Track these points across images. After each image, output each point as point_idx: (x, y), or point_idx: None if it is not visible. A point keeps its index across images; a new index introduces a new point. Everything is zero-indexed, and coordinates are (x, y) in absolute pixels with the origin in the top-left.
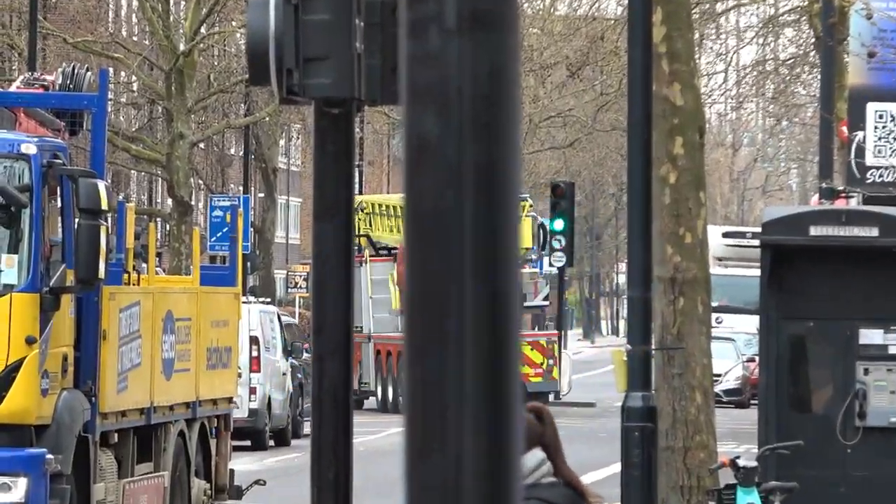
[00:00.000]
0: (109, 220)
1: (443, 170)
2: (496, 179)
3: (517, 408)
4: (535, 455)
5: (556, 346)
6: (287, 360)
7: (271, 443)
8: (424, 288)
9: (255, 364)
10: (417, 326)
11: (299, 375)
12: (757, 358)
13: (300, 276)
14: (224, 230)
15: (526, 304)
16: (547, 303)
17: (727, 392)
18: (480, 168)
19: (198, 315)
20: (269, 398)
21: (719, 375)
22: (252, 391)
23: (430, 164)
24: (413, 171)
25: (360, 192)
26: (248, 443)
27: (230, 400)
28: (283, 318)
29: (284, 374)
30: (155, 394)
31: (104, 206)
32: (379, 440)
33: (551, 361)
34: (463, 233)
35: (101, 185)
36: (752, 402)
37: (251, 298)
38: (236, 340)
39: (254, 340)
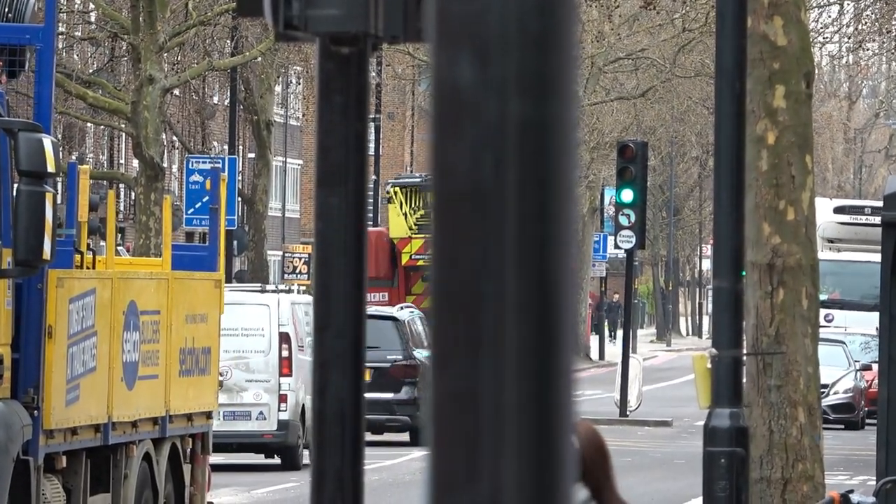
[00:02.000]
0: (58, 185)
1: (480, 130)
2: (548, 143)
3: (568, 429)
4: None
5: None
6: None
7: (306, 461)
8: (455, 281)
9: (285, 366)
10: (446, 328)
11: None
12: (875, 366)
13: (300, 258)
14: (204, 199)
15: None
16: None
17: (835, 408)
18: (528, 128)
19: (169, 307)
20: (303, 407)
21: (826, 387)
22: (282, 399)
23: (463, 123)
24: (442, 132)
25: (377, 152)
26: (277, 461)
27: (209, 415)
28: None
29: None
30: (114, 407)
31: (50, 167)
32: (398, 466)
33: None
34: (505, 212)
35: (47, 142)
36: (868, 421)
37: (280, 286)
38: (217, 340)
39: (284, 338)
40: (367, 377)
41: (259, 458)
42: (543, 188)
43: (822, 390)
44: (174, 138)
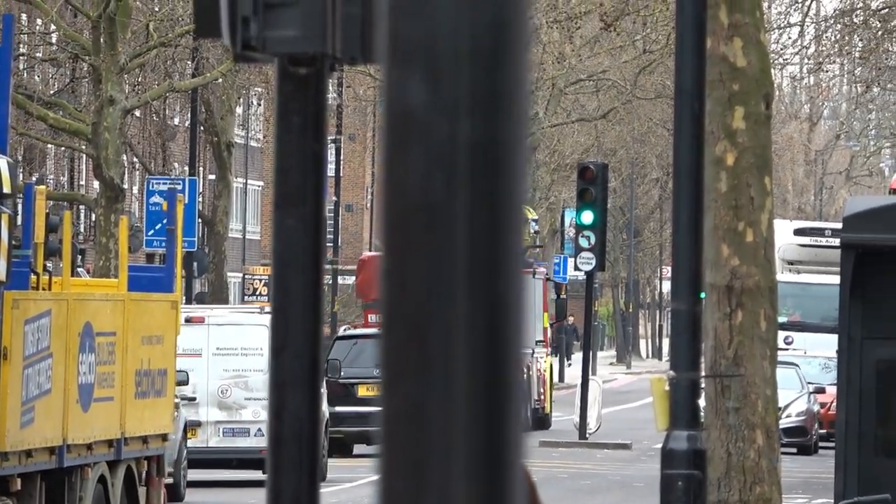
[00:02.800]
0: (17, 206)
1: (431, 150)
2: (498, 162)
3: (518, 451)
4: None
5: (548, 368)
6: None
7: None
8: (404, 299)
9: None
10: (396, 347)
11: None
12: (828, 388)
13: (260, 279)
14: (164, 221)
15: None
16: None
17: (787, 432)
18: (478, 147)
19: (125, 329)
20: None
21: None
22: None
23: (415, 144)
24: (394, 151)
25: (337, 173)
26: None
27: (164, 437)
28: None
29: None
30: (69, 429)
31: (6, 188)
32: (356, 490)
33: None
34: (455, 230)
35: (3, 163)
36: (823, 445)
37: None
38: (173, 361)
39: None
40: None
41: (257, 474)
42: (493, 207)
43: None
44: (135, 159)
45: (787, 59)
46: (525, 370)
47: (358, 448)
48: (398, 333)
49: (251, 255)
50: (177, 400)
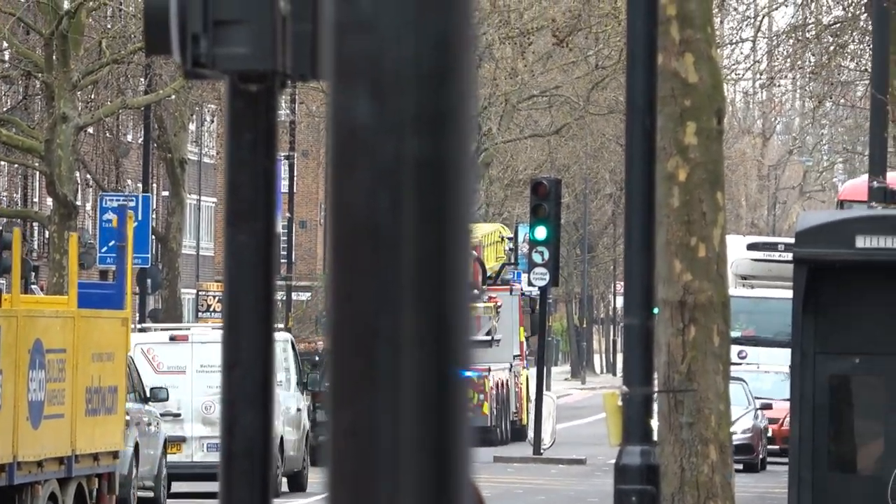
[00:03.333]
0: None
1: (376, 168)
2: (444, 180)
3: (466, 467)
4: None
5: (525, 381)
6: (303, 395)
7: (284, 488)
8: (351, 317)
9: None
10: (342, 368)
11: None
12: (774, 404)
13: (214, 296)
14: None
15: None
16: (489, 338)
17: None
18: (424, 165)
19: (75, 346)
20: (282, 438)
21: None
22: None
23: (360, 161)
24: (340, 170)
25: (290, 190)
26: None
27: (115, 455)
28: (297, 346)
29: (299, 409)
30: (19, 446)
31: None
32: None
33: (482, 397)
34: (401, 248)
35: None
36: (771, 461)
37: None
38: (123, 378)
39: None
40: None
41: None
42: (439, 225)
43: None
44: (88, 176)
45: (739, 75)
46: (503, 383)
47: None
48: (345, 351)
49: (205, 271)
50: (157, 415)
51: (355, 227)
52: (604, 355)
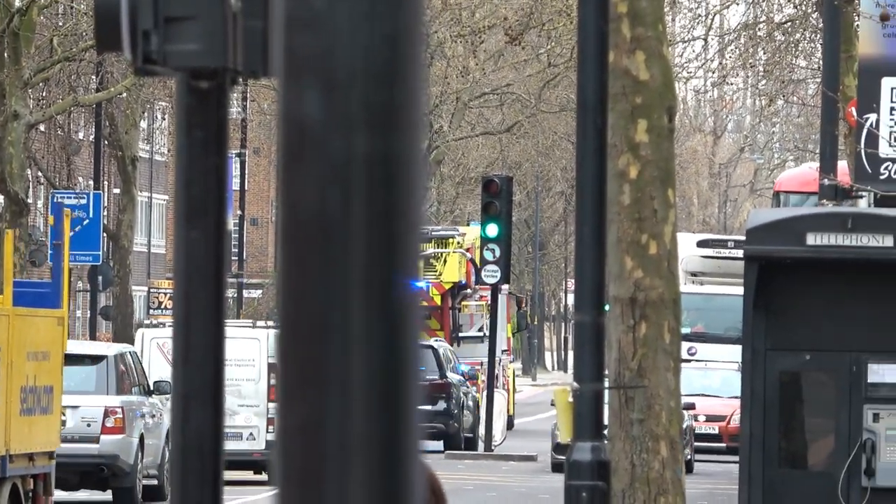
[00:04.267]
0: None
1: (326, 165)
2: (394, 176)
3: (416, 463)
4: None
5: (512, 375)
6: None
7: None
8: (300, 314)
9: (273, 393)
10: (292, 364)
11: None
12: (721, 402)
13: (165, 293)
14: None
15: (461, 334)
16: (481, 334)
17: None
18: (374, 162)
19: (9, 344)
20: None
21: None
22: (270, 422)
23: (310, 158)
24: (289, 166)
25: (242, 187)
26: (265, 477)
27: (51, 455)
28: None
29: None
30: None
31: None
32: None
33: (474, 389)
34: (350, 245)
35: None
36: (719, 461)
37: (269, 322)
38: (59, 377)
39: (273, 368)
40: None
41: (248, 474)
42: (390, 221)
43: None
44: (39, 174)
45: (690, 73)
46: (493, 377)
47: None
48: (295, 349)
49: (156, 268)
50: (160, 407)
51: (305, 223)
52: (555, 352)
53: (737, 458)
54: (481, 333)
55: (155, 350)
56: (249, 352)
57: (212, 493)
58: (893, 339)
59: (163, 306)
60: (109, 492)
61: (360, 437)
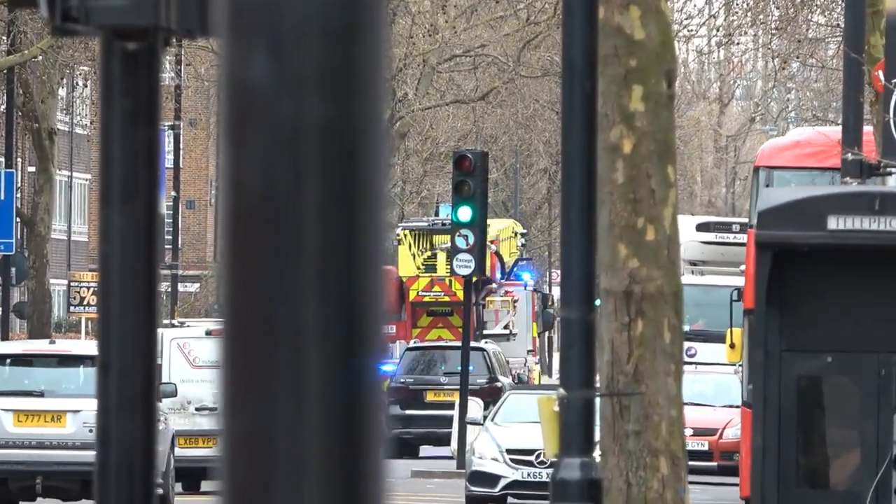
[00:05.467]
0: None
1: (275, 137)
2: (352, 148)
3: (379, 481)
4: None
5: (537, 377)
6: None
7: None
8: (247, 308)
9: None
10: (236, 364)
11: None
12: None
13: (88, 287)
14: None
15: (486, 332)
16: (507, 331)
17: None
18: (329, 131)
19: None
20: None
21: None
22: None
23: (256, 129)
24: (233, 138)
25: (176, 165)
26: None
27: None
28: None
29: None
30: None
31: None
32: None
33: None
34: (302, 229)
35: None
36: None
37: None
38: None
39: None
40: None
41: None
42: (347, 202)
43: None
44: None
45: (692, 31)
46: (518, 378)
47: None
48: (240, 347)
49: (78, 258)
50: (164, 411)
51: (251, 205)
52: (538, 354)
53: (732, 480)
54: (507, 331)
55: (175, 351)
56: None
57: None
58: None
59: (85, 302)
60: None
61: (314, 450)
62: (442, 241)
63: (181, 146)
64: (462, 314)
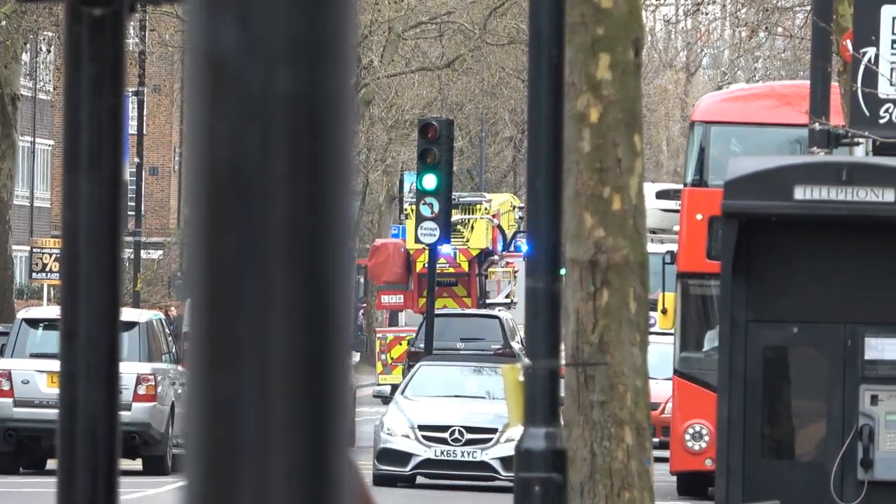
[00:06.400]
0: None
1: (243, 104)
2: (322, 117)
3: (343, 448)
4: None
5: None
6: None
7: None
8: (215, 278)
9: None
10: (204, 335)
11: None
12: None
13: (50, 253)
14: None
15: (488, 301)
16: (508, 300)
17: (505, 462)
18: (297, 102)
19: None
20: None
21: None
22: None
23: (224, 97)
24: (200, 106)
25: (140, 131)
26: None
27: None
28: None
29: None
30: None
31: None
32: (162, 496)
33: None
34: (270, 197)
35: None
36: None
37: None
38: None
39: None
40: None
41: None
42: (316, 170)
43: None
44: None
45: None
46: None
47: None
48: (206, 318)
49: (40, 225)
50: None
51: (218, 173)
52: None
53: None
54: (508, 300)
55: None
56: None
57: (106, 486)
58: (894, 309)
59: (48, 269)
60: (139, 460)
61: (282, 423)
62: None
63: (145, 112)
64: (466, 284)
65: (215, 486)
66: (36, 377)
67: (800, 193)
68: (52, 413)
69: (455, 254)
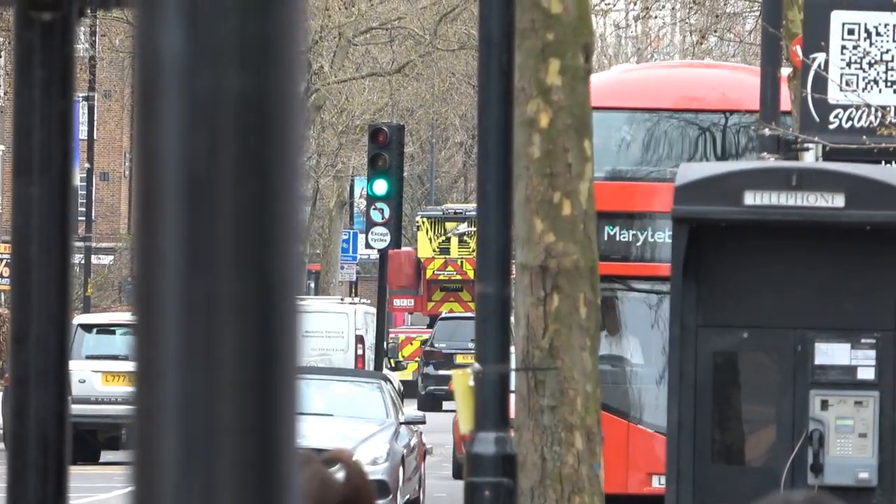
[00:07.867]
0: None
1: (190, 108)
2: (270, 121)
3: (292, 453)
4: None
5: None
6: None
7: None
8: (160, 282)
9: (360, 361)
10: (150, 339)
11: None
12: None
13: (1, 259)
14: None
15: None
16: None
17: None
18: (245, 105)
19: None
20: None
21: None
22: None
23: (171, 100)
24: (147, 109)
25: (90, 136)
26: None
27: None
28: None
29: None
30: None
31: None
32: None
33: None
34: (217, 201)
35: None
36: None
37: (355, 299)
38: None
39: (359, 339)
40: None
41: None
42: (263, 174)
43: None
44: None
45: (609, 5)
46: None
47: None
48: (152, 321)
49: None
50: None
51: (165, 176)
52: None
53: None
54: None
55: None
56: (339, 325)
57: (55, 491)
58: (844, 314)
59: None
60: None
61: (229, 425)
62: (452, 227)
63: (95, 117)
64: (471, 290)
65: (162, 489)
66: (91, 377)
67: (750, 199)
68: (108, 409)
69: (461, 263)
